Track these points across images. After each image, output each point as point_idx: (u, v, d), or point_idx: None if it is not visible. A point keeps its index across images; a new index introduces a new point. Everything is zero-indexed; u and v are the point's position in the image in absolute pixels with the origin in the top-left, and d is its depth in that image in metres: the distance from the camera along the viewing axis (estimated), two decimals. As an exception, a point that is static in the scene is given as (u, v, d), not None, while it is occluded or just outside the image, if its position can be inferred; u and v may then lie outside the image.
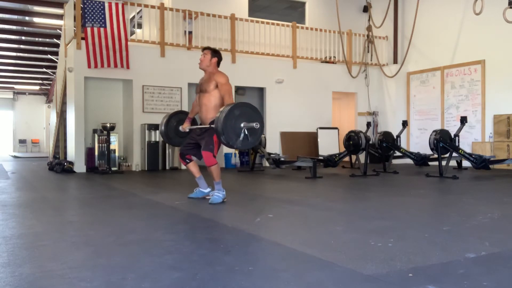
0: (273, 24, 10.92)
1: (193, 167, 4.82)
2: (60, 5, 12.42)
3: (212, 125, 4.42)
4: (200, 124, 4.82)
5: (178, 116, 5.19)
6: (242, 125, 4.12)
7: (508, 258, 2.48)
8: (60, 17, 13.11)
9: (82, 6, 8.92)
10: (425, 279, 2.08)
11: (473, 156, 7.62)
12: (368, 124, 9.35)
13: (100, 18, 8.99)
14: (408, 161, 9.61)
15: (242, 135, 4.13)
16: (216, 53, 4.79)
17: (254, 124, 4.12)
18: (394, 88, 11.88)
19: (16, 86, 26.28)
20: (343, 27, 11.60)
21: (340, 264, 2.32)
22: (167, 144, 9.61)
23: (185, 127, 4.96)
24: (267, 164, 9.48)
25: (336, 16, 11.36)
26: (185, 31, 10.03)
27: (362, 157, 8.99)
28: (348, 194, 5.83)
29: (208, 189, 4.93)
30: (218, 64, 4.79)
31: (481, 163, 7.42)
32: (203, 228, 3.49)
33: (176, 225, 3.64)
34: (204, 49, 4.82)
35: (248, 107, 4.25)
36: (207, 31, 10.08)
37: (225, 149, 10.34)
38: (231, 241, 2.97)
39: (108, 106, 10.11)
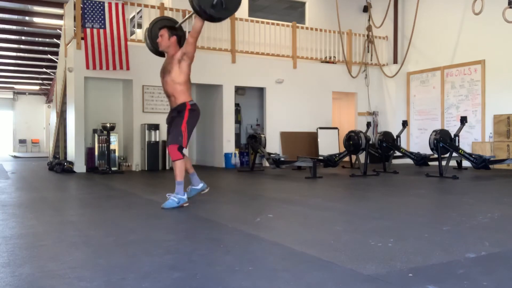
0: (273, 24, 10.92)
1: (187, 163, 4.42)
2: (60, 5, 12.43)
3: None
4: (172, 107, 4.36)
5: (159, 24, 4.65)
6: None
7: (508, 258, 2.48)
8: (60, 17, 13.12)
9: (82, 6, 8.92)
10: (425, 279, 2.08)
11: (473, 156, 7.62)
12: (368, 124, 9.35)
13: (100, 18, 9.00)
14: (408, 161, 9.61)
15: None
16: (173, 30, 4.35)
17: None
18: (394, 88, 11.88)
19: (16, 86, 26.28)
20: (343, 27, 11.60)
21: (340, 264, 2.32)
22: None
23: None
24: (267, 164, 9.48)
25: (336, 16, 11.36)
26: (184, 31, 10.02)
27: (362, 157, 8.99)
28: (348, 194, 5.83)
29: (201, 184, 4.57)
30: (179, 42, 4.36)
31: (481, 163, 7.42)
32: (203, 228, 3.48)
33: (176, 225, 3.63)
34: (160, 29, 4.37)
35: None
36: (207, 31, 10.08)
37: (225, 149, 10.35)
38: (231, 241, 2.97)
39: (108, 106, 10.11)
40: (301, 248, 2.66)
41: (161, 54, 4.64)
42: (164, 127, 9.53)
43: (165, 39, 4.32)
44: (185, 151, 4.44)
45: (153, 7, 9.80)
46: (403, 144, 10.52)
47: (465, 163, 9.06)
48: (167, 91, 4.32)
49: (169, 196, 4.28)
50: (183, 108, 4.26)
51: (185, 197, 4.26)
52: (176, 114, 4.31)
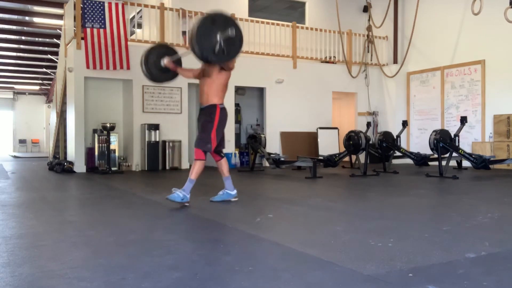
0: (273, 24, 10.92)
1: (223, 165, 4.69)
2: (60, 5, 12.42)
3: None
4: (200, 106, 4.61)
5: (156, 52, 4.72)
6: (218, 37, 3.85)
7: (508, 258, 2.48)
8: (60, 17, 13.11)
9: (82, 6, 8.92)
10: (425, 279, 2.08)
11: (473, 156, 7.62)
12: (368, 124, 9.35)
13: (100, 18, 9.00)
14: (408, 161, 9.61)
15: (217, 46, 3.88)
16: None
17: (229, 30, 3.85)
18: (394, 88, 11.88)
19: (16, 86, 26.27)
20: (343, 27, 11.60)
21: (340, 264, 2.32)
22: (167, 144, 9.61)
23: (167, 61, 4.64)
24: (267, 164, 9.48)
25: (336, 16, 11.36)
26: (183, 31, 10.03)
27: (362, 157, 8.99)
28: (348, 194, 5.83)
29: (235, 191, 4.75)
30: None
31: (481, 163, 7.42)
32: (203, 228, 3.49)
33: (176, 225, 3.64)
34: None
35: (221, 15, 3.96)
36: (207, 31, 10.06)
37: (225, 149, 10.33)
38: (231, 241, 2.97)
39: (108, 106, 10.11)
40: (301, 248, 2.66)
41: (155, 80, 4.90)
42: (164, 127, 9.61)
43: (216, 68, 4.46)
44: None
45: (153, 7, 9.79)
46: (403, 144, 10.52)
47: (465, 163, 9.06)
48: (203, 89, 4.51)
49: (174, 190, 4.39)
50: (213, 111, 4.44)
51: (188, 196, 4.37)
52: (205, 117, 4.47)
